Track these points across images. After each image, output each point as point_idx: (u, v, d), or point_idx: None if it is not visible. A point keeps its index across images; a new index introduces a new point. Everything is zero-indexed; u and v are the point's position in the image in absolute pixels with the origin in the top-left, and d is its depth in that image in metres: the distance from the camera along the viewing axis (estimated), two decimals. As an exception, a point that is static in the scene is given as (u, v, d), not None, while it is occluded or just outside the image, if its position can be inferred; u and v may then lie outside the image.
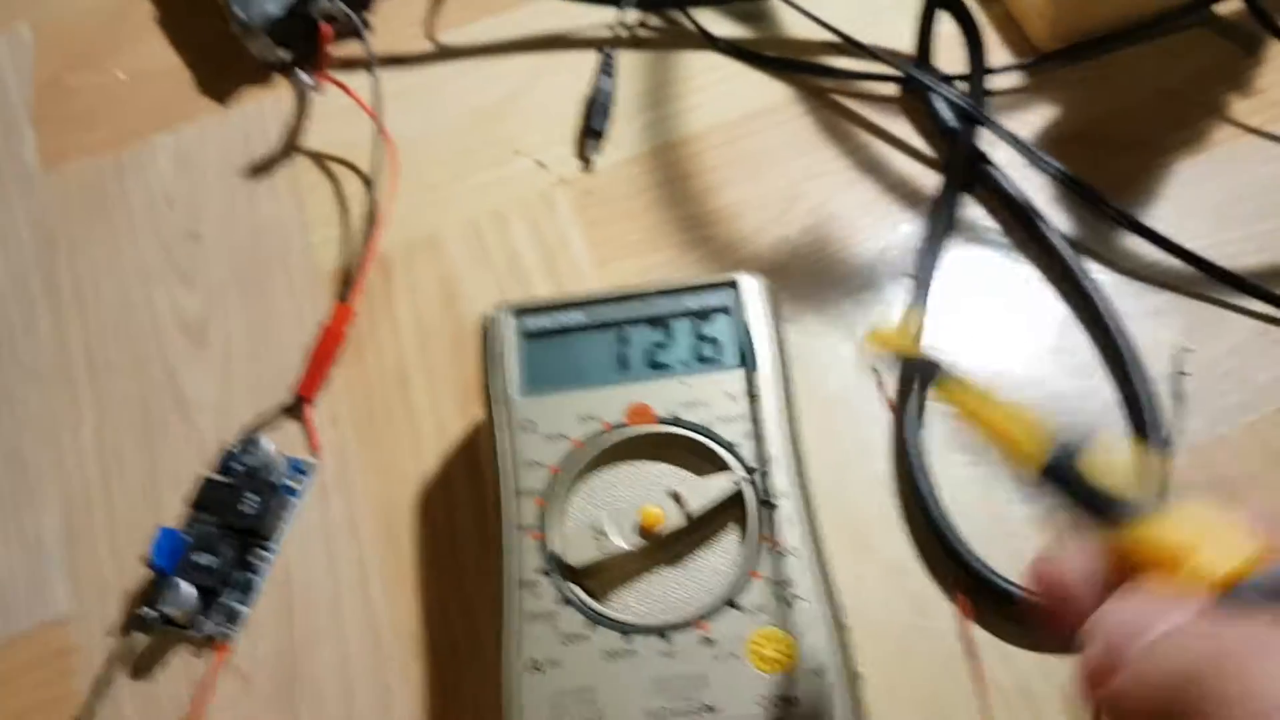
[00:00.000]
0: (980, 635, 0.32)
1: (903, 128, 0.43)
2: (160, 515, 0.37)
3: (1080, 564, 0.19)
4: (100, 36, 0.49)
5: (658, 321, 0.34)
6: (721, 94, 0.44)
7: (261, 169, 0.44)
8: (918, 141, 0.42)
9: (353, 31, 0.44)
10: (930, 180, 0.41)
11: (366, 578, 0.35)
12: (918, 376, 0.31)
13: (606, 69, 0.44)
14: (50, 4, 0.50)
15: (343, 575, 0.35)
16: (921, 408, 0.35)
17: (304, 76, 0.43)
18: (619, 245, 0.41)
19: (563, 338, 0.34)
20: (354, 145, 0.44)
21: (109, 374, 0.40)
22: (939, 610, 0.33)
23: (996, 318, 0.37)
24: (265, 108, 0.46)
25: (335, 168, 0.44)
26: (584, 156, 0.43)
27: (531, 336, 0.34)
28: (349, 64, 0.46)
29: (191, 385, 0.39)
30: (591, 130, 0.43)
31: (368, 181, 0.44)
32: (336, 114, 0.45)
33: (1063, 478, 0.20)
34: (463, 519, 0.36)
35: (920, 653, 0.32)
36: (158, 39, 0.49)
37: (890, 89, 0.44)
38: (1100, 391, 0.35)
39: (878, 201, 0.41)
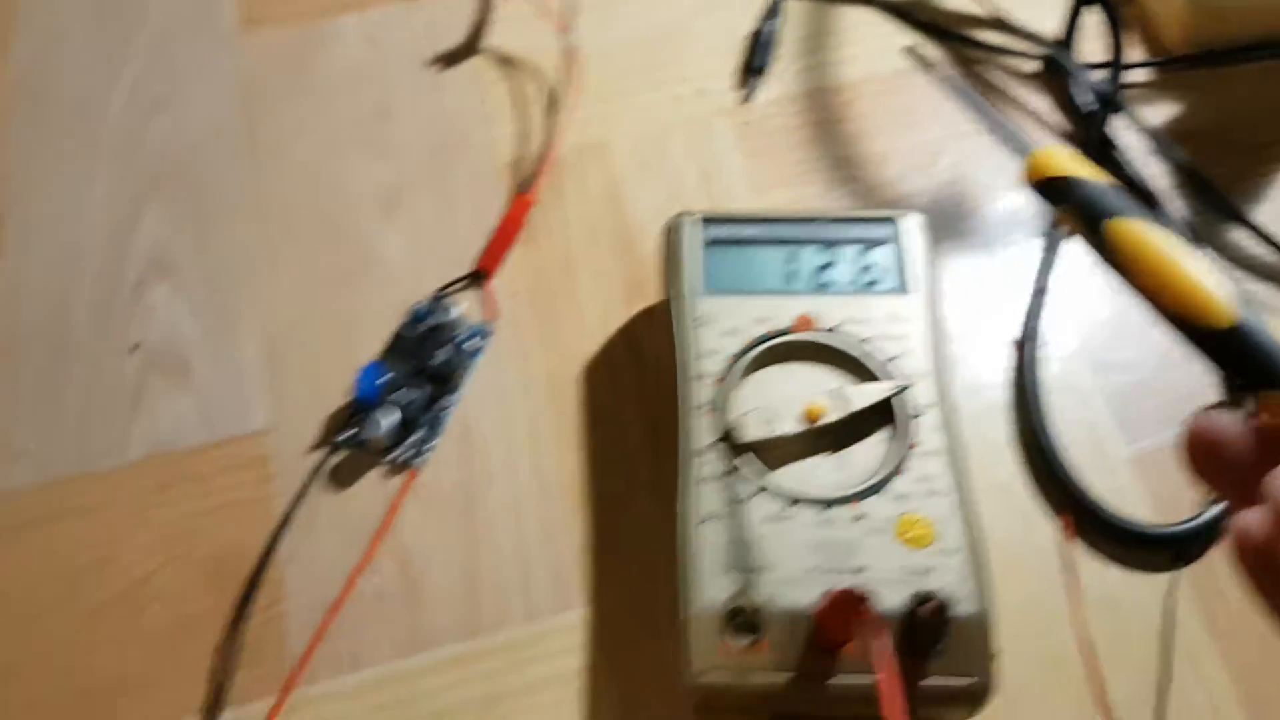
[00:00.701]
0: (1077, 552, 0.37)
1: (1040, 103, 0.47)
2: (352, 355, 0.41)
3: (1241, 428, 0.19)
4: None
5: (827, 244, 0.38)
6: (876, 49, 0.48)
7: (446, 61, 0.48)
8: (1052, 118, 0.46)
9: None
10: (1056, 155, 0.45)
11: (536, 433, 0.39)
12: (1082, 208, 0.23)
13: (773, 11, 0.47)
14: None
15: (515, 429, 0.39)
16: (1037, 344, 0.40)
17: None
18: (771, 175, 0.45)
19: (740, 248, 0.38)
20: (531, 49, 0.48)
21: (305, 225, 0.44)
22: (1040, 527, 0.37)
23: (1113, 292, 0.42)
24: (450, 2, 0.49)
25: (514, 69, 0.48)
26: (745, 90, 0.47)
27: (712, 243, 0.38)
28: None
29: (381, 246, 0.43)
30: (755, 67, 0.47)
31: (543, 85, 0.47)
32: (517, 18, 0.48)
33: (1251, 334, 0.19)
34: (623, 394, 0.40)
35: (1022, 562, 0.37)
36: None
37: (1032, 66, 0.47)
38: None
39: (1013, 167, 0.45)
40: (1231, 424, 0.19)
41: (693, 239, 0.38)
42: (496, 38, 0.48)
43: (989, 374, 0.40)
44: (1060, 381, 0.39)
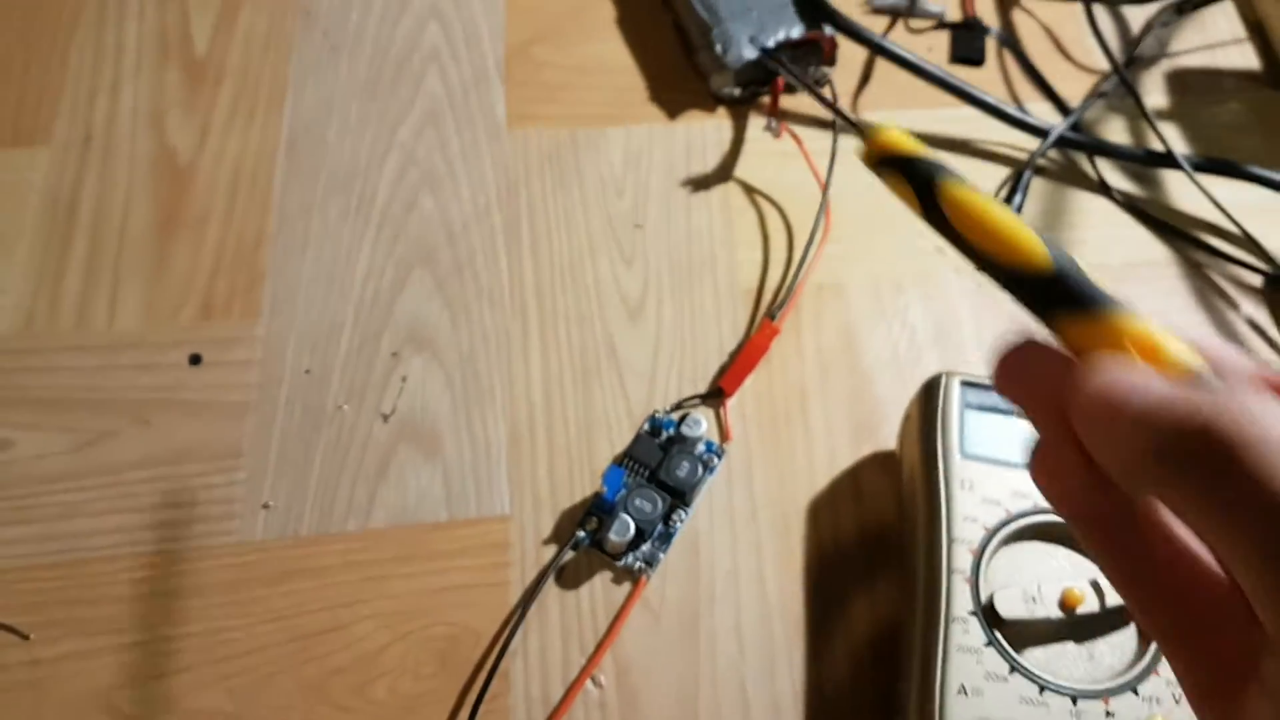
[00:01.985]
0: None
1: (1263, 317, 0.46)
2: (590, 452, 0.41)
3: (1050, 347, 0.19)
4: (565, 19, 0.53)
5: (1086, 430, 0.37)
6: (1107, 238, 0.48)
7: (698, 184, 0.48)
8: (1271, 333, 0.46)
9: (807, 89, 0.48)
10: (1280, 368, 0.44)
11: (761, 560, 0.39)
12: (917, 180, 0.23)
13: (1019, 186, 0.47)
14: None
15: (740, 553, 0.39)
16: None
17: (771, 122, 0.47)
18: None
19: (999, 416, 0.37)
20: (778, 183, 0.48)
21: (555, 318, 0.44)
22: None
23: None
24: (707, 129, 0.50)
25: (761, 199, 0.48)
26: (983, 256, 0.47)
27: (972, 408, 0.37)
28: (785, 114, 0.50)
29: (626, 350, 0.43)
30: (998, 236, 0.46)
31: (788, 219, 0.47)
32: (767, 154, 0.49)
33: (1068, 276, 0.20)
34: (845, 537, 0.40)
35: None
36: (615, 38, 0.53)
37: (1256, 280, 0.47)
38: None
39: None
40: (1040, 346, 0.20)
41: (954, 401, 0.37)
42: (747, 168, 0.49)
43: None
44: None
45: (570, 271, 0.45)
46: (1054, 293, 0.19)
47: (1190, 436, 0.15)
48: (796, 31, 0.48)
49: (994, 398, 0.38)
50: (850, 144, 0.49)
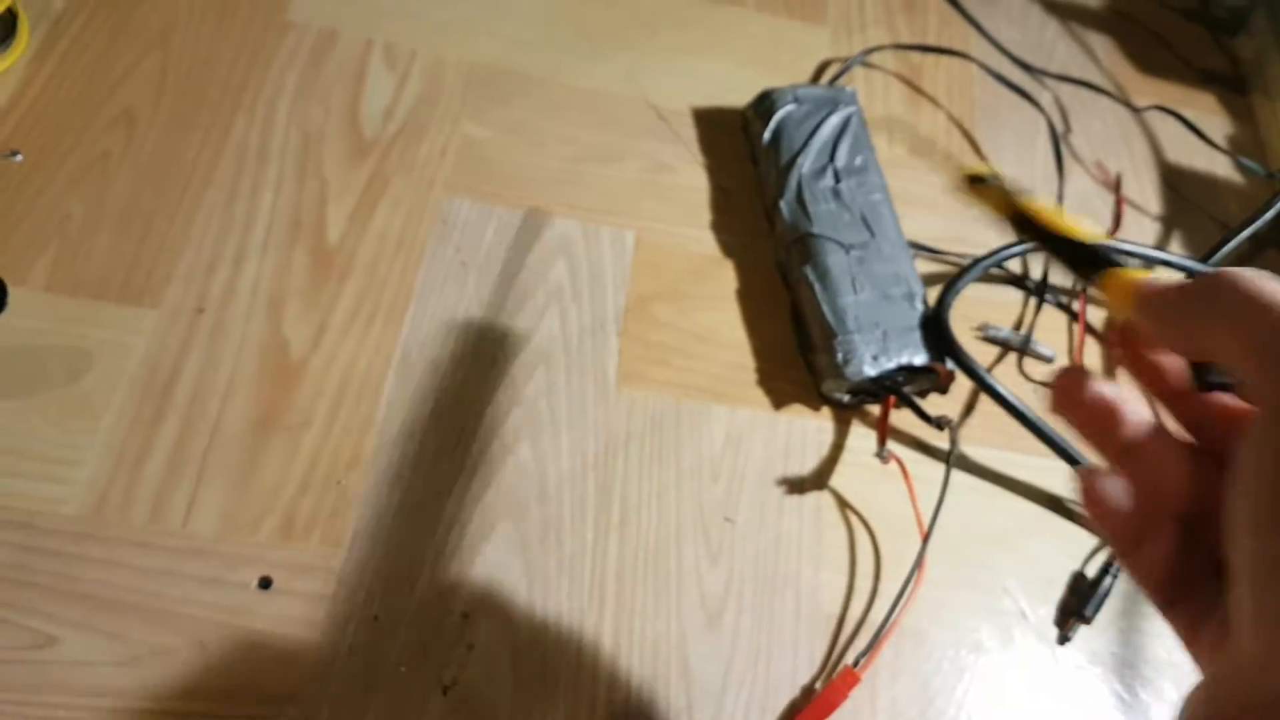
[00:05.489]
0: None
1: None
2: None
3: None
4: (688, 281, 0.53)
5: None
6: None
7: (793, 486, 0.47)
8: None
9: (926, 420, 0.48)
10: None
11: None
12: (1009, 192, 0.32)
13: (1112, 570, 0.47)
14: (655, 226, 0.54)
15: None
16: None
17: (882, 451, 0.47)
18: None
19: None
20: (872, 503, 0.48)
21: (632, 612, 0.42)
22: None
23: None
24: (809, 428, 0.50)
25: (853, 518, 0.47)
26: (1064, 630, 0.46)
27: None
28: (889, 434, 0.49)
29: (698, 662, 0.42)
30: (1082, 615, 0.46)
31: (877, 547, 0.46)
32: (866, 465, 0.48)
33: (1102, 244, 0.28)
34: None
35: None
36: (733, 309, 0.53)
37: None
38: None
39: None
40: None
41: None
42: (843, 478, 0.48)
43: None
44: None
45: (654, 559, 0.44)
46: (1097, 255, 0.28)
47: (1200, 280, 0.22)
48: (919, 359, 0.48)
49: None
50: (955, 479, 0.49)
